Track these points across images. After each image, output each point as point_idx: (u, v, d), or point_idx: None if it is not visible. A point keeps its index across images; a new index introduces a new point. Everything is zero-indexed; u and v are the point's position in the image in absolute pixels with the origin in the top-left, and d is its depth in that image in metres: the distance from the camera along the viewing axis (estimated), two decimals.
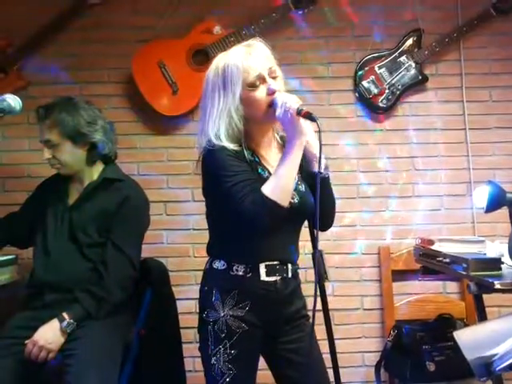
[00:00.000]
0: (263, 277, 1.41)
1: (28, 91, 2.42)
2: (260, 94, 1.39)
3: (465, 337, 0.95)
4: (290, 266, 1.46)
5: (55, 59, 2.47)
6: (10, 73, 2.43)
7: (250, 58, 1.39)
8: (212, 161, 1.40)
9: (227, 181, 1.35)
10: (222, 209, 1.42)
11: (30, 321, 1.74)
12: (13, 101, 1.37)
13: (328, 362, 1.54)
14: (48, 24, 2.43)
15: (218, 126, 1.39)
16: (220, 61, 1.43)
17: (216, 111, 1.39)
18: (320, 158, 1.36)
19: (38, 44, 2.44)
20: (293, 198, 1.41)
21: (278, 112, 1.35)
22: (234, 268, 1.41)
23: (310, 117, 1.32)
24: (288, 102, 1.34)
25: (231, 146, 1.39)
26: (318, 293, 1.45)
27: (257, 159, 1.45)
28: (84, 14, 2.46)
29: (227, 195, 1.35)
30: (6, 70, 2.43)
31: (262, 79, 1.39)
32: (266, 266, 1.41)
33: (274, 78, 1.42)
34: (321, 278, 1.51)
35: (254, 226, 1.35)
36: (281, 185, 1.34)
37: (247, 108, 1.39)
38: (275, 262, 1.43)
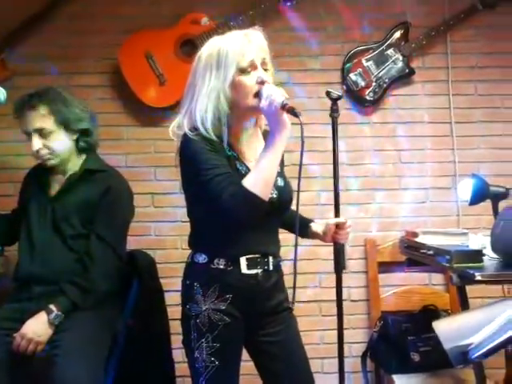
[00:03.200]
0: (244, 270, 1.41)
1: (13, 81, 2.39)
2: (249, 80, 1.39)
3: (443, 327, 0.97)
4: (271, 258, 1.46)
5: (41, 49, 2.44)
6: None
7: (246, 43, 1.40)
8: (190, 153, 1.39)
9: (206, 174, 1.35)
10: (201, 202, 1.41)
11: (18, 313, 1.75)
12: None
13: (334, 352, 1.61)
14: (34, 14, 2.40)
15: (206, 107, 1.38)
16: (216, 42, 1.43)
17: (205, 90, 1.39)
18: (301, 157, 1.36)
19: (23, 34, 2.42)
20: (271, 193, 1.41)
21: (263, 103, 1.34)
22: (215, 261, 1.42)
23: (293, 112, 1.32)
24: (273, 94, 1.34)
25: (212, 136, 1.38)
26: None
27: (235, 154, 1.44)
28: (70, 3, 2.44)
29: (206, 188, 1.35)
30: None
31: (254, 67, 1.40)
32: (247, 259, 1.42)
33: (265, 70, 1.42)
34: (339, 267, 1.59)
35: (232, 219, 1.36)
36: (262, 178, 1.34)
37: (235, 93, 1.39)
38: (256, 255, 1.43)
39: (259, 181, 1.33)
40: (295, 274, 1.44)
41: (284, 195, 1.48)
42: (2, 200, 2.29)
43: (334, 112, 1.57)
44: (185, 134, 1.41)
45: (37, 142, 1.82)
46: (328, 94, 1.58)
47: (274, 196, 1.43)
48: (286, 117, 1.34)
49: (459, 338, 0.89)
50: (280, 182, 1.49)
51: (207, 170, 1.35)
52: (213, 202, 1.34)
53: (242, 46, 1.39)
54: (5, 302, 1.84)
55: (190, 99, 1.42)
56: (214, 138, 1.39)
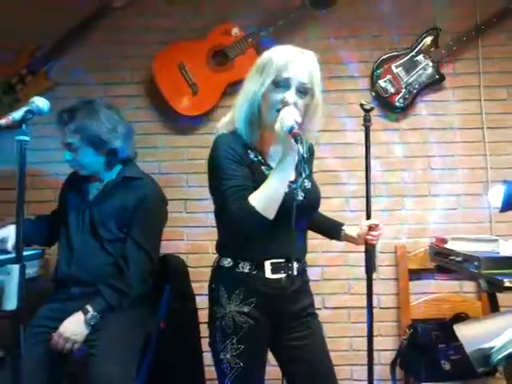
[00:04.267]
0: (268, 274, 1.44)
1: (55, 92, 2.51)
2: (276, 96, 1.42)
3: (465, 330, 0.97)
4: (295, 263, 1.49)
5: (80, 61, 2.56)
6: (37, 74, 2.54)
7: (291, 61, 1.42)
8: (215, 159, 1.45)
9: (222, 184, 1.40)
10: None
11: (57, 312, 1.82)
12: (41, 103, 1.44)
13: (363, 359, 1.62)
14: (73, 27, 2.52)
15: (244, 103, 1.45)
16: (274, 49, 1.48)
17: (247, 88, 1.46)
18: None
19: (64, 47, 2.54)
20: (298, 195, 1.44)
21: (276, 125, 1.37)
22: (240, 265, 1.46)
23: (294, 138, 1.31)
24: (286, 118, 1.35)
25: (246, 130, 1.44)
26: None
27: (261, 159, 1.48)
28: (107, 17, 2.55)
29: (220, 197, 1.41)
30: (34, 71, 2.54)
31: (288, 86, 1.42)
32: (272, 263, 1.45)
33: (302, 93, 1.43)
34: (370, 269, 1.69)
35: (238, 231, 1.41)
36: (267, 197, 1.38)
37: (263, 102, 1.44)
38: (281, 260, 1.46)
39: (264, 199, 1.37)
40: None
41: (310, 198, 1.51)
42: (41, 206, 2.38)
43: (366, 122, 1.71)
44: (216, 137, 1.48)
45: (67, 155, 1.91)
46: (361, 105, 1.73)
47: (301, 198, 1.46)
48: (293, 142, 1.34)
49: (481, 341, 0.90)
50: (307, 185, 1.52)
51: (223, 180, 1.40)
52: (223, 211, 1.40)
53: (287, 62, 1.42)
54: (45, 302, 1.92)
55: (239, 92, 1.50)
56: (245, 133, 1.44)
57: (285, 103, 1.41)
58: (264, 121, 1.46)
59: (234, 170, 1.41)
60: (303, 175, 1.46)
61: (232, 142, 1.45)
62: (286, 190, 1.41)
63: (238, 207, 1.36)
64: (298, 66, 1.42)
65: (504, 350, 0.85)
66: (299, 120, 1.37)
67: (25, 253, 2.10)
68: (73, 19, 2.52)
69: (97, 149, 1.89)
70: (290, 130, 1.33)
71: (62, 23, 2.52)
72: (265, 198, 1.37)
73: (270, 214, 1.38)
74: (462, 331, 0.96)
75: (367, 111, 1.73)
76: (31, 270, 2.05)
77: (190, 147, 2.56)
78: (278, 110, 1.41)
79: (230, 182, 1.39)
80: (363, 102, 1.73)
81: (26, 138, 1.34)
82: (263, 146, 1.51)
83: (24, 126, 1.35)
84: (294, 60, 1.42)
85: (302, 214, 1.49)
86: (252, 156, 1.47)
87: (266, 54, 1.47)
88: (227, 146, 1.44)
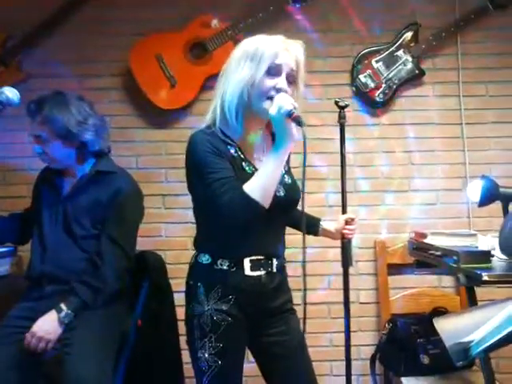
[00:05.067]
0: (247, 271, 1.42)
1: (28, 84, 2.44)
2: (269, 83, 1.40)
3: (444, 324, 0.97)
4: (274, 260, 1.47)
5: (54, 52, 2.49)
6: (9, 66, 2.46)
7: (283, 50, 1.42)
8: (195, 155, 1.41)
9: (207, 177, 1.36)
10: (204, 203, 1.43)
11: (29, 311, 1.78)
12: (11, 93, 1.39)
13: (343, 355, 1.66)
14: (47, 17, 2.46)
15: (234, 90, 1.41)
16: (258, 37, 1.46)
17: (237, 76, 1.42)
18: (304, 168, 1.37)
19: (37, 37, 2.47)
20: (278, 191, 1.42)
21: (272, 109, 1.36)
22: (219, 262, 1.43)
23: (297, 121, 1.32)
24: (283, 102, 1.34)
25: (232, 122, 1.40)
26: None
27: (241, 155, 1.45)
28: (82, 7, 2.48)
29: (207, 191, 1.37)
30: (5, 62, 2.46)
31: (279, 72, 1.41)
32: (251, 260, 1.43)
33: (289, 82, 1.43)
34: (346, 264, 1.72)
35: (231, 222, 1.37)
36: (263, 184, 1.35)
37: (254, 89, 1.41)
38: (260, 257, 1.44)
39: (260, 187, 1.34)
40: (304, 275, 1.43)
41: (291, 193, 1.49)
42: (16, 201, 2.33)
43: (341, 118, 1.76)
44: (192, 135, 1.44)
45: (37, 148, 1.85)
46: (336, 103, 1.78)
47: (282, 194, 1.44)
48: (292, 127, 1.35)
49: (461, 335, 0.89)
50: (288, 180, 1.50)
51: (209, 174, 1.37)
52: (213, 204, 1.35)
53: (278, 49, 1.41)
54: (17, 301, 1.86)
55: (223, 81, 1.46)
56: (233, 122, 1.41)
57: (278, 90, 1.40)
58: (249, 110, 1.43)
59: (217, 163, 1.38)
60: (284, 170, 1.44)
61: (210, 137, 1.42)
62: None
63: (230, 197, 1.33)
64: (288, 53, 1.42)
65: (483, 343, 0.85)
66: (296, 105, 1.35)
67: None
68: (47, 8, 2.45)
69: (66, 141, 1.83)
70: (290, 114, 1.32)
71: (35, 12, 2.45)
72: (261, 186, 1.34)
73: (267, 202, 1.35)
74: (441, 325, 0.96)
75: (342, 108, 1.77)
76: (3, 268, 2.00)
77: (168, 141, 2.51)
78: (270, 98, 1.39)
79: (216, 175, 1.36)
80: (337, 100, 1.78)
81: None
82: (243, 139, 1.48)
83: None
84: (284, 47, 1.42)
85: (283, 211, 1.48)
86: (232, 151, 1.44)
87: (250, 43, 1.45)
88: (206, 141, 1.41)
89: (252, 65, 1.41)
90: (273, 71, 1.40)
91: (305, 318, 1.42)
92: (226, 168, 1.39)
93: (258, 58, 1.40)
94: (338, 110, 1.79)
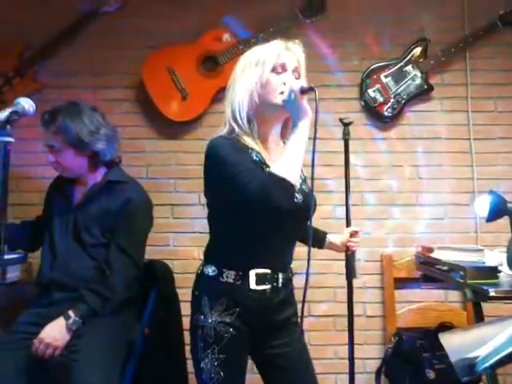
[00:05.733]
0: (253, 285, 1.42)
1: (42, 94, 2.50)
2: (278, 79, 1.44)
3: (450, 339, 0.97)
4: (280, 275, 1.46)
5: (69, 64, 2.54)
6: (25, 76, 2.52)
7: (283, 49, 1.47)
8: (216, 155, 1.42)
9: (231, 171, 1.36)
10: (222, 205, 1.44)
11: (38, 317, 1.79)
12: (26, 104, 1.42)
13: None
14: (63, 29, 2.51)
15: (242, 99, 1.45)
16: (258, 47, 1.52)
17: (243, 84, 1.46)
18: (315, 131, 1.37)
19: (52, 49, 2.53)
20: (296, 198, 1.42)
21: (285, 95, 1.40)
22: (224, 275, 1.43)
23: (309, 88, 1.37)
24: (292, 85, 1.39)
25: (245, 129, 1.44)
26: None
27: (261, 159, 1.45)
28: (97, 20, 2.54)
29: (232, 184, 1.36)
30: (21, 73, 2.51)
31: (284, 69, 1.45)
32: (257, 274, 1.42)
33: (295, 78, 1.47)
34: (350, 275, 1.78)
35: (266, 206, 1.32)
36: (289, 164, 1.36)
37: (264, 89, 1.44)
38: (266, 271, 1.44)
39: (287, 166, 1.35)
40: (305, 289, 1.42)
41: (308, 200, 1.46)
42: (28, 208, 2.36)
43: (345, 135, 1.88)
44: (211, 139, 1.46)
45: (50, 157, 1.89)
46: (341, 120, 1.88)
47: (300, 200, 1.44)
48: (306, 104, 1.38)
49: (466, 350, 0.90)
50: (305, 188, 1.50)
51: (233, 167, 1.37)
52: (241, 195, 1.34)
53: (278, 50, 1.47)
54: (27, 307, 1.88)
55: (230, 93, 1.50)
56: (246, 130, 1.44)
57: (288, 83, 1.44)
58: (262, 112, 1.46)
59: (239, 158, 1.39)
60: (300, 179, 1.45)
61: (230, 141, 1.44)
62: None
63: (259, 181, 1.33)
64: (289, 52, 1.48)
65: (489, 359, 0.86)
66: (305, 82, 1.40)
67: (7, 256, 2.10)
68: (62, 19, 2.51)
69: (78, 151, 1.86)
70: (301, 89, 1.37)
71: (51, 23, 2.51)
72: (287, 166, 1.35)
73: (295, 179, 1.36)
74: (447, 340, 0.96)
75: (346, 125, 1.87)
76: (13, 274, 2.02)
77: (178, 152, 2.55)
78: (282, 93, 1.43)
79: (239, 167, 1.37)
80: (342, 117, 1.88)
81: (11, 139, 1.32)
82: (261, 144, 1.49)
83: (8, 126, 1.32)
84: (284, 47, 1.48)
85: (301, 218, 1.46)
86: (253, 156, 1.45)
87: (251, 53, 1.50)
88: (227, 143, 1.43)
89: (257, 69, 1.45)
90: (278, 69, 1.45)
91: (301, 320, 1.45)
92: (247, 162, 1.39)
93: (261, 62, 1.45)
94: (343, 127, 1.88)
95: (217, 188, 1.46)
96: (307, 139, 1.39)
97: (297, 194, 1.42)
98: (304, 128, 1.38)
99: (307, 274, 1.42)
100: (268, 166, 1.44)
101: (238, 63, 1.52)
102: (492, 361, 0.86)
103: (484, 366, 0.86)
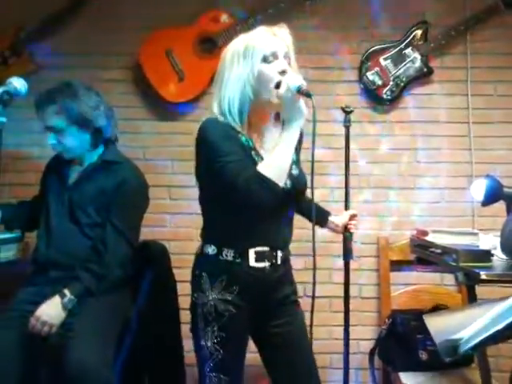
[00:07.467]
0: (252, 263, 1.44)
1: (39, 75, 2.47)
2: (271, 69, 1.43)
3: (435, 321, 0.99)
4: (279, 252, 1.48)
5: (66, 45, 2.52)
6: (21, 56, 2.50)
7: (270, 36, 1.46)
8: (205, 139, 1.42)
9: (219, 160, 1.37)
10: (212, 190, 1.45)
11: (34, 296, 1.81)
12: (18, 83, 1.41)
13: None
14: (59, 9, 2.48)
15: (233, 93, 1.43)
16: (243, 36, 1.49)
17: (233, 77, 1.44)
18: (314, 137, 1.39)
19: (49, 29, 2.50)
20: (285, 183, 1.43)
21: (281, 90, 1.38)
22: (224, 253, 1.44)
23: (307, 94, 1.36)
24: (291, 80, 1.38)
25: (236, 122, 1.42)
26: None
27: (251, 145, 1.46)
28: (94, 0, 2.51)
29: (219, 174, 1.37)
30: (18, 53, 2.50)
31: (276, 57, 1.44)
32: (256, 252, 1.44)
33: (287, 64, 1.46)
34: (347, 254, 1.84)
35: (249, 203, 1.37)
36: (276, 163, 1.37)
37: (258, 82, 1.42)
38: (265, 248, 1.45)
39: (273, 166, 1.37)
40: (314, 266, 1.46)
41: (298, 185, 1.49)
42: (25, 189, 2.37)
43: (346, 122, 1.90)
44: (203, 121, 1.46)
45: (51, 138, 1.88)
46: (343, 109, 1.90)
47: (288, 185, 1.45)
48: (302, 104, 1.38)
49: (451, 332, 0.91)
50: (294, 171, 1.50)
51: (220, 157, 1.38)
52: (227, 187, 1.36)
53: (266, 38, 1.45)
54: (23, 285, 1.90)
55: (219, 86, 1.47)
56: (237, 123, 1.43)
57: (282, 72, 1.42)
58: (257, 105, 1.45)
59: (229, 146, 1.40)
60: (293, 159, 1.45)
61: (222, 124, 1.44)
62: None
63: (245, 178, 1.34)
64: (277, 38, 1.46)
65: (472, 340, 0.87)
66: (304, 82, 1.38)
67: (3, 236, 2.12)
68: (59, 0, 2.48)
69: (82, 128, 1.87)
70: (299, 89, 1.35)
71: (48, 4, 2.48)
72: (275, 166, 1.37)
73: (281, 181, 1.38)
74: (432, 322, 0.97)
75: (348, 113, 1.89)
76: (10, 253, 2.04)
77: (176, 133, 2.54)
78: (277, 85, 1.41)
79: (227, 158, 1.37)
80: (343, 106, 1.91)
81: (3, 119, 1.33)
82: (253, 132, 1.49)
83: (0, 106, 1.32)
84: (271, 34, 1.46)
85: (289, 202, 1.49)
86: (243, 140, 1.45)
87: (239, 42, 1.47)
88: (218, 126, 1.43)
89: (246, 62, 1.43)
90: (269, 59, 1.43)
91: (312, 312, 1.46)
92: (236, 151, 1.40)
93: (250, 54, 1.43)
94: (344, 115, 1.90)
95: (207, 173, 1.46)
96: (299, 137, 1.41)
97: (286, 180, 1.43)
98: (296, 129, 1.39)
99: (314, 274, 1.45)
100: (257, 152, 1.45)
101: (225, 55, 1.49)
102: (473, 342, 0.87)
103: (466, 348, 0.87)
